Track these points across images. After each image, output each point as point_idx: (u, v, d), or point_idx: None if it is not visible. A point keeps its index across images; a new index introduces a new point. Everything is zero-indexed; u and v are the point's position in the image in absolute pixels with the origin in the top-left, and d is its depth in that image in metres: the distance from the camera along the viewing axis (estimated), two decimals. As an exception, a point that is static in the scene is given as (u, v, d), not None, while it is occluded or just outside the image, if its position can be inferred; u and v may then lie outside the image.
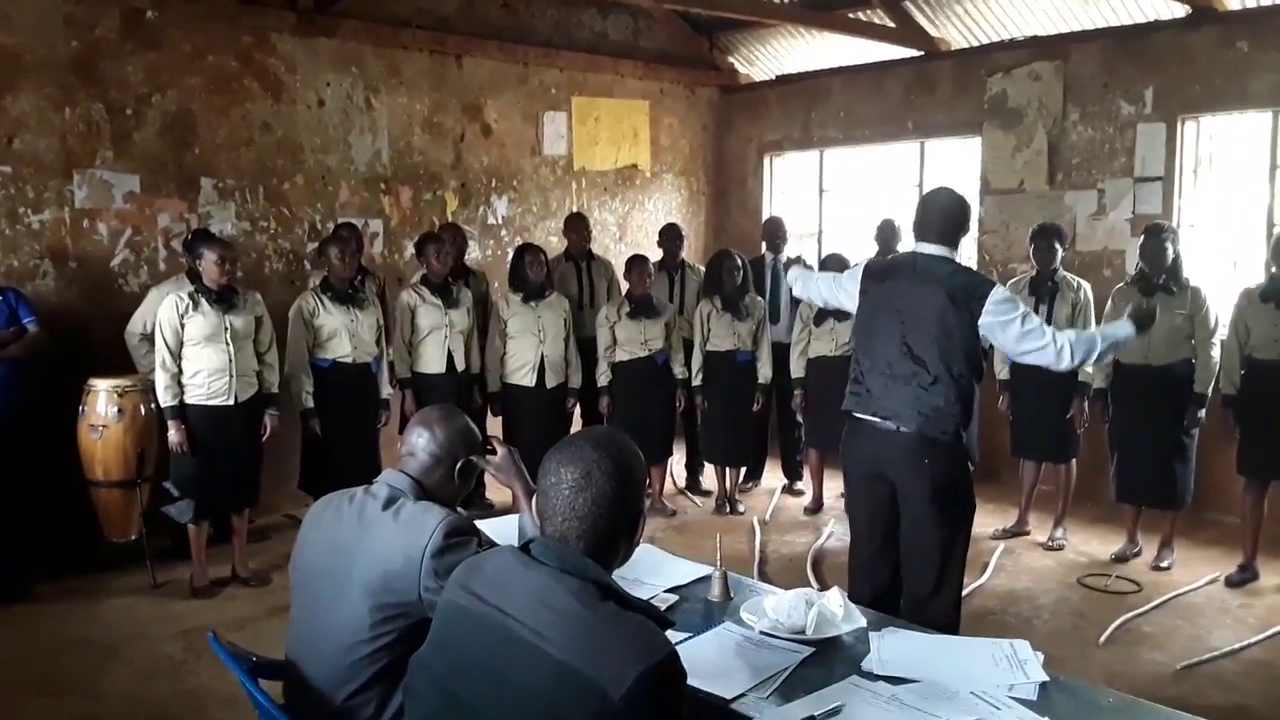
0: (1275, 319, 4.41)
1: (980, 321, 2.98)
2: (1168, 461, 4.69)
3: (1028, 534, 5.30)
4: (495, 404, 5.51)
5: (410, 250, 6.06)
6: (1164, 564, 4.79)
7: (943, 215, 3.15)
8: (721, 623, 2.28)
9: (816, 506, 5.75)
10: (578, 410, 5.74)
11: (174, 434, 4.27)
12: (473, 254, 6.50)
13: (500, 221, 6.96)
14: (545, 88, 7.12)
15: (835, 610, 2.21)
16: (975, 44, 6.62)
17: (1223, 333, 4.69)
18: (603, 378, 5.58)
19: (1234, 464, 4.63)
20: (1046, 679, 1.96)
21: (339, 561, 1.97)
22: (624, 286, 5.72)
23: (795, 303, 5.87)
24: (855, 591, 3.12)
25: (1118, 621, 4.10)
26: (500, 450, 2.25)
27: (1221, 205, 5.79)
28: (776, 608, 2.22)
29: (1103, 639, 3.98)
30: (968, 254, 6.46)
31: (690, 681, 1.90)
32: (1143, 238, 4.81)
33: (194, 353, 4.28)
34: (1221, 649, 3.85)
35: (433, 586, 1.84)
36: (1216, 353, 4.63)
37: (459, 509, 2.10)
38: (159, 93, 5.39)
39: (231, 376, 4.33)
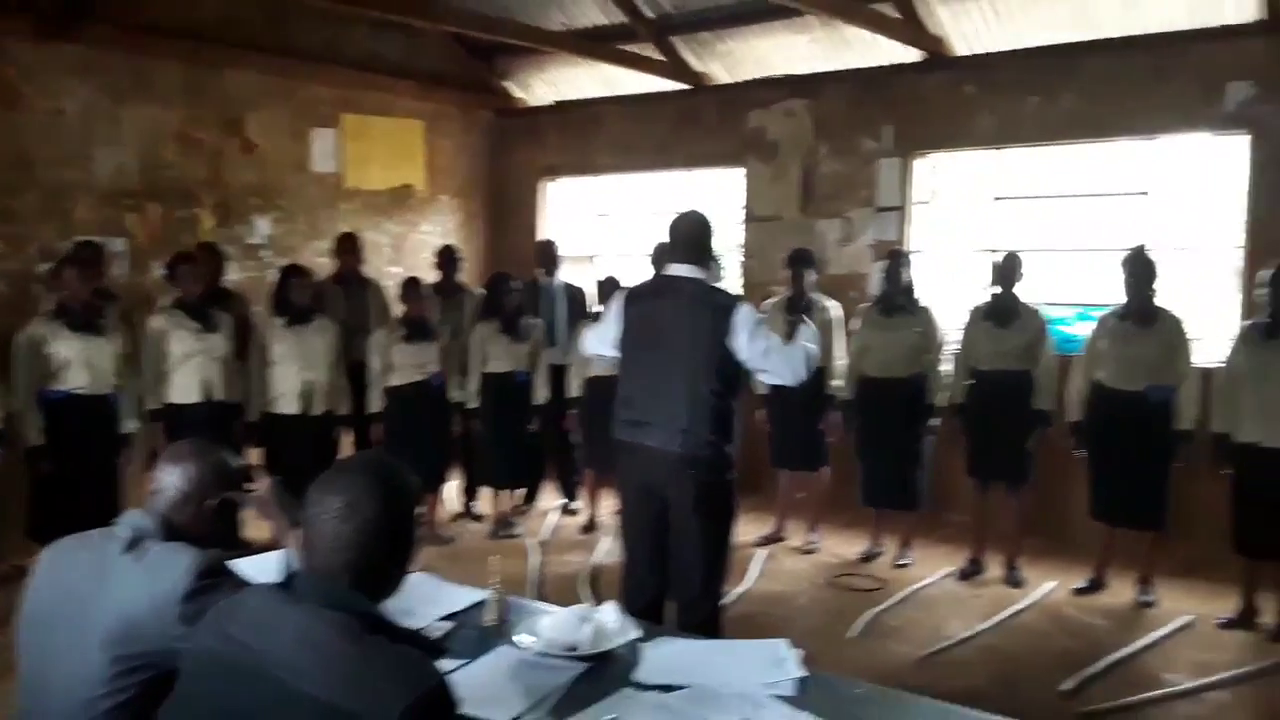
0: (997, 335, 4.93)
1: (726, 338, 3.12)
2: (906, 467, 5.14)
3: (785, 539, 5.63)
4: (256, 434, 5.23)
5: (160, 271, 5.64)
6: (905, 561, 5.24)
7: (687, 236, 3.30)
8: (497, 646, 2.28)
9: (592, 525, 5.85)
10: (348, 439, 5.56)
11: None
12: (231, 275, 6.15)
13: (263, 241, 6.63)
14: (314, 103, 6.88)
15: (610, 624, 2.27)
16: (737, 81, 7.02)
17: (951, 348, 5.21)
18: (375, 403, 5.44)
19: (964, 467, 5.14)
20: (804, 674, 2.10)
21: (74, 611, 1.81)
22: (398, 309, 5.60)
23: (572, 324, 5.98)
24: (627, 603, 3.20)
25: (865, 617, 4.43)
26: (262, 483, 2.15)
27: (949, 233, 6.44)
28: (552, 627, 2.25)
29: (852, 634, 4.29)
30: (732, 276, 6.82)
31: (464, 709, 1.90)
32: (884, 262, 5.27)
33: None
34: (956, 637, 4.24)
35: (183, 634, 1.72)
36: (945, 366, 5.13)
37: (215, 549, 1.99)
38: None
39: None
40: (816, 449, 5.48)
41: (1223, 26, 5.20)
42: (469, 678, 2.10)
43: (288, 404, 5.17)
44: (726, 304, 3.18)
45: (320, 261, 6.58)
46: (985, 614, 4.53)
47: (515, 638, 2.27)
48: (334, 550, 1.49)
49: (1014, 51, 5.87)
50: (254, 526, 5.23)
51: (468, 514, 6.16)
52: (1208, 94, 5.23)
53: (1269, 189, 5.11)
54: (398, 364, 5.40)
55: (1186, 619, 4.39)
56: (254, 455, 5.26)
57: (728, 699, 2.00)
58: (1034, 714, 3.34)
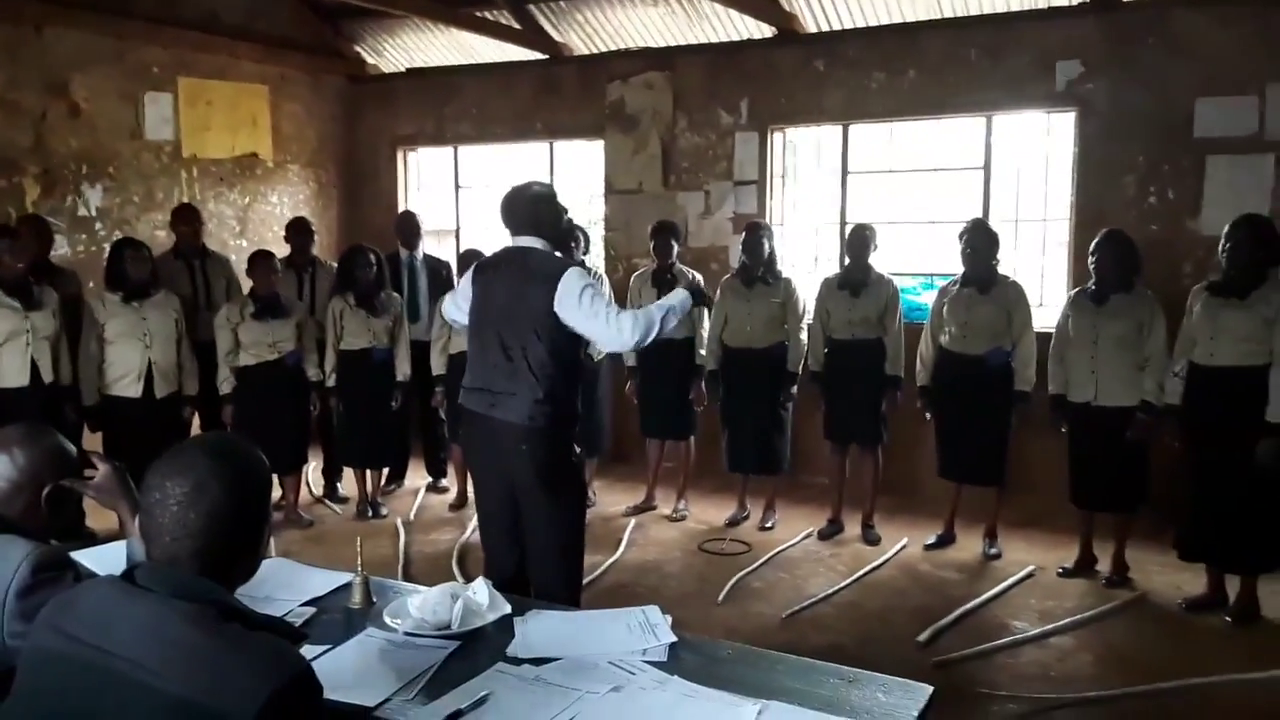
0: (849, 304, 5.11)
1: (554, 305, 3.05)
2: (768, 433, 5.28)
3: (655, 508, 5.71)
4: (94, 419, 4.90)
5: (-23, 246, 5.18)
6: (768, 525, 5.40)
7: (528, 207, 3.23)
8: (364, 629, 2.22)
9: (461, 502, 5.76)
10: (196, 421, 5.28)
11: None
12: (60, 250, 5.72)
13: (94, 214, 6.19)
14: (147, 66, 6.43)
15: (481, 601, 2.24)
16: (596, 51, 6.97)
17: (809, 317, 5.36)
18: (225, 384, 5.18)
19: (821, 431, 5.32)
20: (675, 639, 2.13)
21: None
22: (246, 285, 5.34)
23: (434, 298, 5.84)
24: (491, 576, 3.16)
25: (732, 580, 4.55)
26: (102, 468, 2.01)
27: (805, 206, 6.62)
28: (421, 606, 2.20)
29: (721, 597, 4.39)
30: (596, 250, 6.81)
31: (331, 694, 1.84)
32: (743, 235, 5.37)
33: None
34: (818, 595, 4.41)
35: (18, 631, 1.60)
36: (805, 335, 5.28)
37: (52, 541, 1.85)
38: None
39: None
40: (684, 418, 5.56)
41: (1052, 7, 5.51)
42: (335, 663, 2.04)
43: (129, 386, 4.87)
44: (554, 269, 3.10)
45: (158, 235, 6.20)
46: (845, 572, 4.72)
47: (383, 619, 2.22)
48: (177, 538, 1.41)
49: (861, 29, 6.05)
50: (98, 516, 4.94)
51: (331, 496, 5.97)
52: (1039, 73, 5.53)
53: (1094, 163, 5.47)
54: (248, 342, 5.15)
55: (1030, 569, 4.68)
56: (94, 441, 4.94)
57: (601, 668, 2.01)
58: (892, 666, 3.43)
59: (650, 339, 3.10)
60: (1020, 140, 6.01)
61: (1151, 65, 5.27)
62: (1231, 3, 5.08)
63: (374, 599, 2.37)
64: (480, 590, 2.26)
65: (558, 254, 3.31)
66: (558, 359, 3.11)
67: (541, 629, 2.19)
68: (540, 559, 3.17)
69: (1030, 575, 4.63)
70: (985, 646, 3.84)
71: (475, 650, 2.11)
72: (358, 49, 7.76)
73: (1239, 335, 3.95)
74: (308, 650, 2.05)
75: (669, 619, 2.23)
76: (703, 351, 5.44)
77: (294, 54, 7.34)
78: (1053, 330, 4.68)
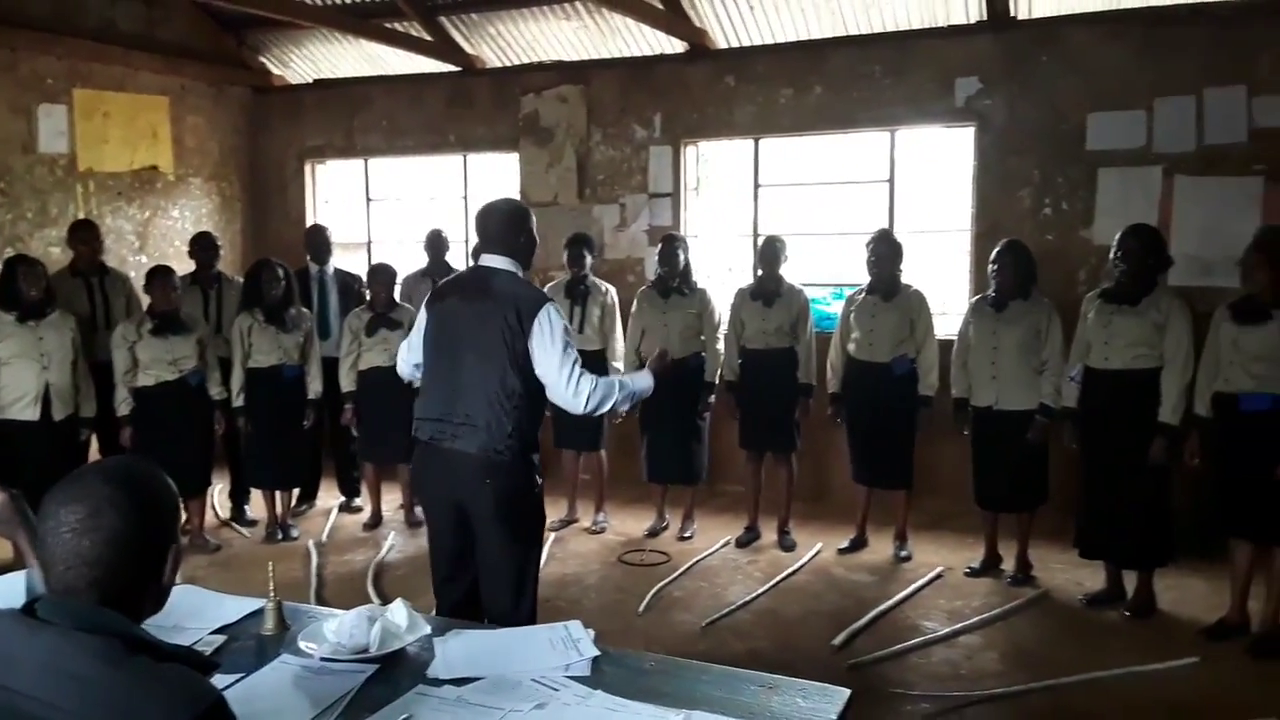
0: (763, 314, 5.21)
1: (529, 339, 2.91)
2: (686, 443, 5.34)
3: (577, 520, 5.70)
4: (-13, 444, 4.68)
5: None
6: (687, 534, 5.45)
7: (501, 225, 3.06)
8: (278, 656, 2.17)
9: (376, 521, 5.67)
10: (94, 444, 5.09)
11: None
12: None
13: (-18, 230, 5.91)
14: (40, 77, 6.19)
15: (399, 622, 2.20)
16: (509, 64, 6.96)
17: (724, 328, 5.43)
18: (123, 405, 5.00)
19: (737, 440, 5.39)
20: (597, 653, 2.13)
21: None
22: (147, 302, 5.16)
23: (345, 313, 5.75)
24: (441, 607, 3.07)
25: (652, 591, 4.58)
26: (-2, 497, 1.92)
27: (719, 218, 6.71)
28: (337, 630, 2.16)
29: (641, 608, 4.41)
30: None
31: (245, 724, 1.80)
32: (659, 246, 5.42)
33: None
34: (736, 603, 4.46)
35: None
36: (721, 345, 5.35)
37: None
38: None
39: None
40: (598, 430, 5.57)
41: (951, 26, 5.72)
42: (248, 692, 1.99)
43: (25, 409, 4.68)
44: (533, 301, 2.96)
45: (53, 252, 5.96)
46: (762, 579, 4.79)
47: (298, 645, 2.17)
48: (73, 567, 1.35)
49: (769, 46, 6.18)
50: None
51: (238, 519, 5.80)
52: (939, 89, 5.74)
53: (992, 176, 5.69)
54: (147, 361, 4.99)
55: (938, 570, 4.83)
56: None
57: (524, 686, 2.00)
58: (810, 670, 3.48)
59: (597, 413, 3.03)
60: (923, 154, 6.21)
61: (1045, 81, 5.50)
62: (1120, 20, 5.35)
63: (288, 624, 2.31)
64: (398, 611, 2.22)
65: (528, 280, 3.14)
66: (529, 390, 2.96)
67: (462, 648, 2.16)
68: (495, 591, 3.02)
69: (939, 576, 4.77)
70: (898, 647, 3.95)
71: (395, 673, 2.08)
72: (262, 59, 7.59)
73: (1131, 340, 4.15)
74: (219, 680, 1.99)
75: (591, 633, 2.23)
76: (616, 364, 5.46)
77: (195, 64, 7.14)
78: (955, 337, 4.84)
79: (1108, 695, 3.56)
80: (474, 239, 3.26)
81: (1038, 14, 5.55)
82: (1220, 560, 4.16)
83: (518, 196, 6.86)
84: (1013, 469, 4.61)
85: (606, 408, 3.02)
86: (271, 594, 2.33)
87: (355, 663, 2.09)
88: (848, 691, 1.96)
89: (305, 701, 1.96)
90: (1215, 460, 4.03)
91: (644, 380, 3.15)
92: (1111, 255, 4.24)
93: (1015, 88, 5.58)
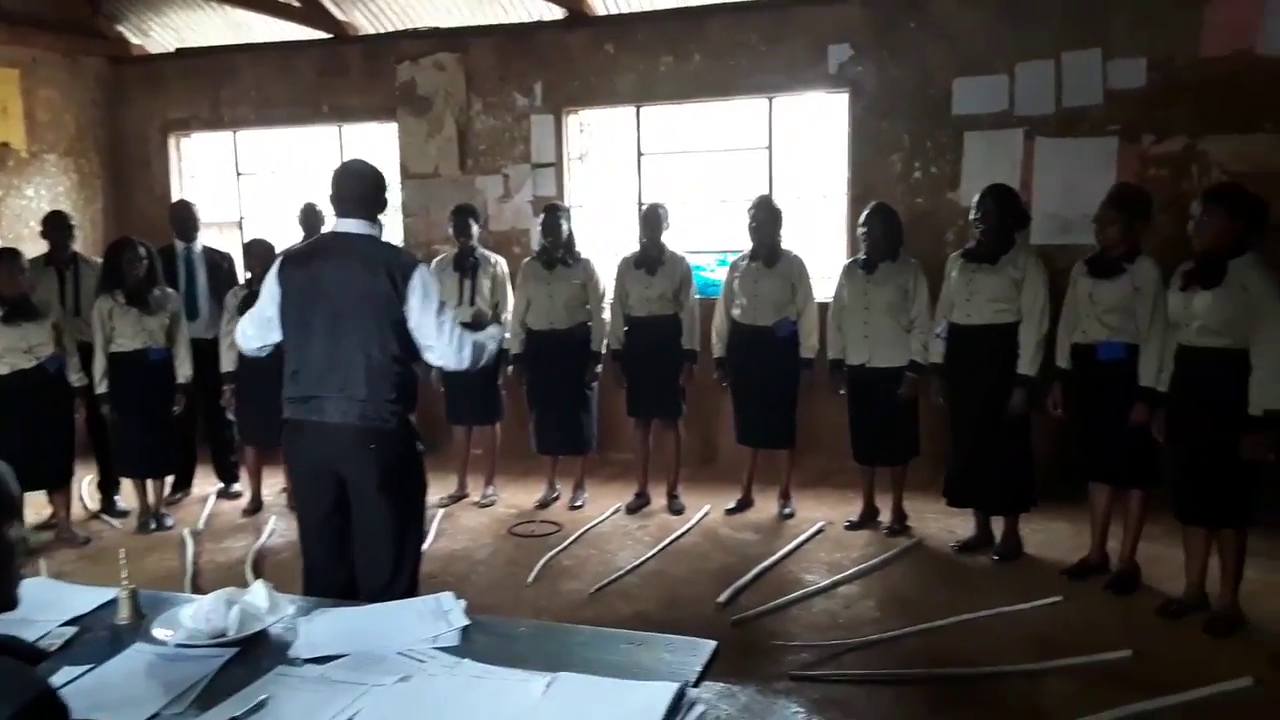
0: (646, 282, 5.23)
1: (404, 303, 2.89)
2: (575, 413, 5.34)
3: (468, 496, 5.66)
4: None
5: None
6: (578, 503, 5.46)
7: (359, 187, 3.00)
8: (133, 644, 2.09)
9: (256, 506, 5.51)
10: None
11: None
12: None
13: None
14: None
15: (259, 604, 2.15)
16: (383, 30, 6.76)
17: (610, 297, 5.43)
18: (-29, 397, 4.73)
19: (625, 408, 5.42)
20: (468, 623, 2.12)
21: None
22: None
23: (215, 293, 5.54)
24: (313, 594, 2.99)
25: (542, 561, 4.58)
26: None
27: (604, 187, 6.69)
28: (194, 616, 2.09)
29: (530, 579, 4.42)
30: (392, 237, 6.63)
31: (92, 714, 1.74)
32: (541, 217, 5.38)
33: None
34: (625, 568, 4.51)
35: None
36: (607, 315, 5.35)
37: None
38: None
39: None
40: (492, 403, 5.52)
41: (823, -6, 5.80)
42: (98, 681, 1.92)
43: None
44: (406, 265, 2.92)
45: (-112, 234, 5.56)
46: (651, 543, 4.84)
47: (154, 632, 2.10)
48: None
49: (648, 13, 6.16)
50: None
51: (109, 510, 5.56)
52: (814, 57, 5.82)
53: (865, 141, 5.81)
54: (1, 350, 4.71)
55: (820, 525, 4.97)
56: None
57: (390, 660, 1.98)
58: (694, 628, 3.56)
59: (480, 365, 3.07)
60: (801, 120, 6.30)
61: (913, 48, 5.64)
62: (980, -14, 5.51)
63: (143, 613, 2.23)
64: (258, 593, 2.17)
65: (391, 242, 3.09)
66: (407, 356, 2.94)
67: (326, 627, 2.13)
68: (373, 564, 2.97)
69: (820, 531, 4.92)
70: (779, 601, 4.05)
71: (255, 656, 2.03)
72: (120, 29, 7.20)
73: (991, 296, 4.32)
74: (67, 670, 1.93)
75: (463, 603, 2.21)
76: (507, 335, 5.42)
77: (47, 35, 6.72)
78: (830, 300, 4.96)
79: (977, 635, 3.73)
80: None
81: (906, -18, 5.68)
82: (1082, 503, 4.38)
83: (397, 168, 6.71)
84: (886, 424, 4.77)
85: (486, 358, 3.08)
86: (125, 581, 2.24)
87: (213, 647, 2.03)
88: (713, 643, 2.00)
89: (158, 689, 1.89)
90: (1075, 409, 4.24)
91: (495, 330, 3.27)
92: (971, 216, 4.40)
93: (885, 54, 5.70)
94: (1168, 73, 5.19)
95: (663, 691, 1.74)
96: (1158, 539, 4.22)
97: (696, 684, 1.85)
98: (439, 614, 2.17)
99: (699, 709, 1.75)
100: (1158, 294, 3.87)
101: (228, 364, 5.29)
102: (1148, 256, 4.01)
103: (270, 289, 3.04)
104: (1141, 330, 3.94)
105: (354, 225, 3.00)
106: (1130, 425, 3.94)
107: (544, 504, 5.48)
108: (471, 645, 2.06)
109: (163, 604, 2.31)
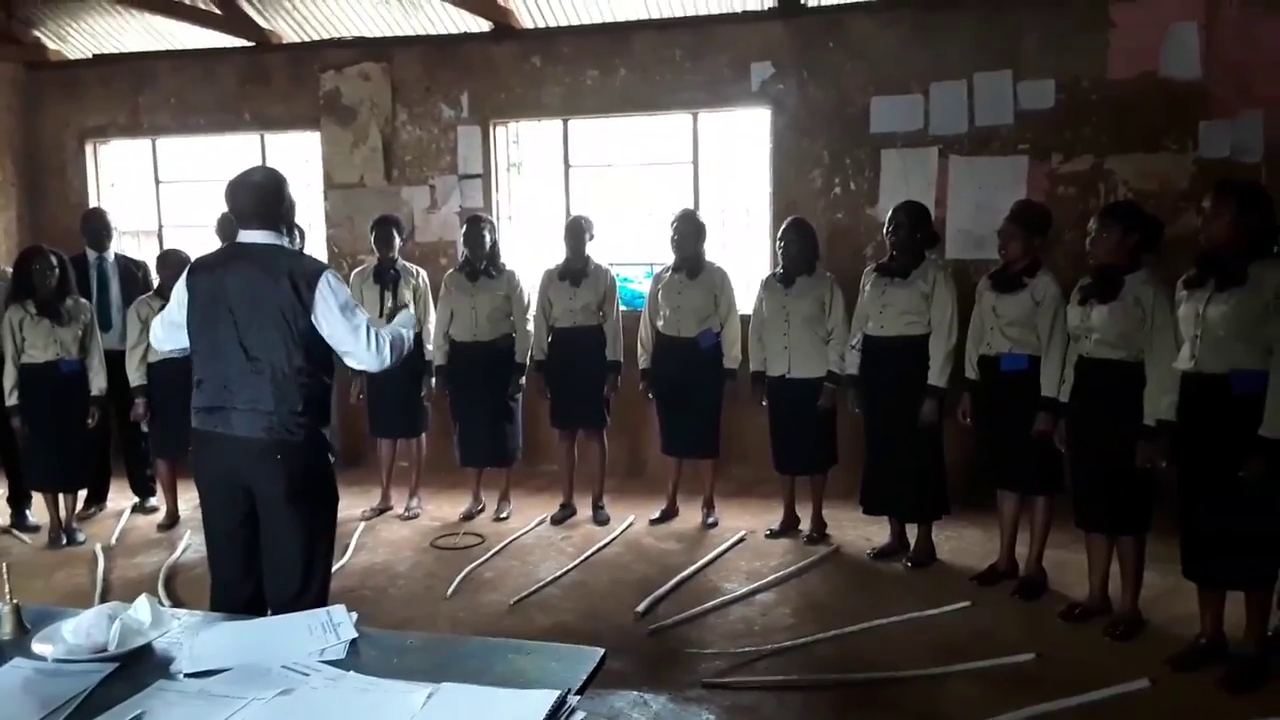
0: (570, 293, 5.25)
1: (310, 311, 2.85)
2: (499, 425, 5.34)
3: (391, 508, 5.61)
4: None
5: None
6: (503, 515, 5.45)
7: (254, 198, 2.93)
8: (10, 660, 2.04)
9: (171, 521, 5.40)
10: None
11: None
12: None
13: None
14: None
15: (142, 619, 2.11)
16: (307, 39, 6.70)
17: (534, 308, 5.44)
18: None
19: (549, 419, 5.43)
20: (356, 636, 2.11)
21: None
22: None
23: (128, 302, 5.43)
24: (221, 608, 2.91)
25: (462, 574, 4.56)
26: None
27: (533, 199, 6.70)
28: (74, 630, 2.05)
29: (450, 591, 4.39)
30: (317, 248, 6.57)
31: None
32: (464, 228, 5.37)
33: None
34: (546, 579, 4.50)
35: None
36: (531, 326, 5.36)
37: None
38: None
39: None
40: (416, 416, 5.50)
41: (745, 11, 5.90)
42: (-32, 700, 1.87)
43: None
44: (310, 272, 2.87)
45: None
46: (574, 554, 4.85)
47: (33, 647, 2.05)
48: None
49: (575, 27, 6.20)
50: None
51: (19, 525, 5.40)
52: (736, 73, 5.91)
53: (786, 157, 5.91)
54: (-101, 361, 4.58)
55: (741, 534, 5.02)
56: None
57: (274, 673, 1.96)
58: (612, 639, 3.63)
59: (398, 359, 3.03)
60: (726, 136, 6.39)
61: (833, 67, 5.76)
62: (895, 7, 5.64)
63: (28, 628, 2.18)
64: (141, 608, 2.13)
65: (298, 251, 3.06)
66: (315, 366, 2.89)
67: (211, 641, 2.10)
68: (280, 577, 2.93)
69: (741, 540, 4.97)
70: (696, 610, 4.09)
71: (136, 671, 1.99)
72: (36, 33, 7.02)
73: (902, 309, 4.42)
74: (-65, 690, 1.88)
75: (354, 615, 2.20)
76: (430, 347, 5.40)
77: (-42, 38, 6.55)
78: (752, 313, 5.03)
79: (888, 640, 3.80)
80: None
81: (825, 1, 5.79)
82: (994, 511, 4.48)
83: (320, 178, 6.65)
84: (805, 434, 4.84)
85: (406, 348, 3.09)
86: (8, 596, 2.19)
87: (93, 662, 2.00)
88: (600, 651, 2.01)
89: (33, 704, 1.85)
90: (981, 418, 4.35)
91: (405, 314, 3.30)
92: (884, 231, 4.50)
93: (805, 73, 5.81)
94: (1075, 94, 5.37)
95: (543, 699, 1.76)
96: (1065, 545, 4.34)
97: (580, 691, 1.87)
98: (329, 627, 2.15)
99: (579, 715, 1.77)
100: (1057, 308, 4.00)
101: (138, 377, 5.18)
102: (1048, 271, 4.14)
103: (179, 294, 3.02)
104: (1042, 343, 4.06)
105: (258, 235, 2.95)
106: (1034, 435, 4.05)
107: (469, 516, 5.46)
108: (358, 658, 2.04)
109: (51, 619, 2.26)
